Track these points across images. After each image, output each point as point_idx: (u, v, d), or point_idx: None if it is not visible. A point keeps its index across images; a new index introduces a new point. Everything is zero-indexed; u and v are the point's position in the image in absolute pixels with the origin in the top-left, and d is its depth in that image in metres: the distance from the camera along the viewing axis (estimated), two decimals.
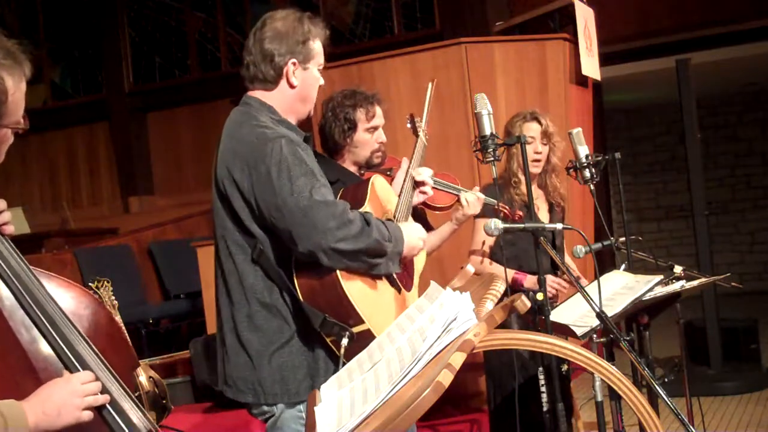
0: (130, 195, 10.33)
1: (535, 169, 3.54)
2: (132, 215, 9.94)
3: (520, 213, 3.31)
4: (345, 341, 2.13)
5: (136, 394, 4.42)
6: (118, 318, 4.60)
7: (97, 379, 1.60)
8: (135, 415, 1.64)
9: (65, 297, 1.68)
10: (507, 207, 3.30)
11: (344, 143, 2.99)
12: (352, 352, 2.15)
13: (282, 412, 2.32)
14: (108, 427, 1.61)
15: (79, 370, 1.59)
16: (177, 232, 8.22)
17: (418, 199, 2.90)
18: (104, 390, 1.61)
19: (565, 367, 3.22)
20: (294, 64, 2.35)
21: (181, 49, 10.45)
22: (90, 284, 4.77)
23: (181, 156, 10.26)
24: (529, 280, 3.43)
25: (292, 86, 2.36)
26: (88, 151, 10.75)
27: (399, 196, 2.74)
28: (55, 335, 1.59)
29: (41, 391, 1.54)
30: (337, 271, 2.17)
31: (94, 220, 9.83)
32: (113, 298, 4.68)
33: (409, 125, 3.13)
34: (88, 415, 1.56)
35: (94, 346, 1.63)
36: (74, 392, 1.55)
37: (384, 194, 2.63)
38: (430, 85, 3.16)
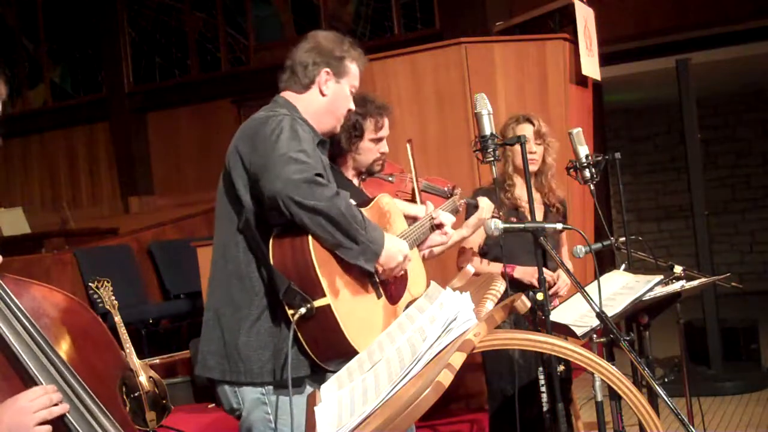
0: (130, 195, 10.34)
1: (533, 166, 3.51)
2: (132, 215, 9.95)
3: (513, 220, 3.30)
4: (302, 310, 2.13)
5: (136, 394, 4.46)
6: (117, 318, 4.61)
7: (51, 392, 1.53)
8: (108, 423, 1.60)
9: (42, 304, 1.62)
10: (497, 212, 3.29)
11: (349, 149, 3.00)
12: (308, 329, 2.17)
13: (249, 414, 2.34)
14: None
15: (36, 384, 1.54)
16: (177, 232, 8.22)
17: (433, 240, 2.88)
18: (66, 399, 1.55)
19: (561, 368, 3.20)
20: (327, 73, 2.43)
21: (181, 49, 10.45)
22: (90, 284, 4.78)
23: (181, 156, 10.27)
24: (518, 271, 3.41)
25: (322, 94, 2.44)
26: (88, 151, 10.76)
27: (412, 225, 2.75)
28: (17, 347, 1.54)
29: None
30: (310, 241, 2.18)
31: (94, 220, 9.84)
32: (113, 298, 4.68)
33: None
34: (45, 429, 1.51)
35: (59, 354, 1.57)
36: (22, 410, 1.49)
37: (389, 213, 2.63)
38: (408, 146, 3.20)
